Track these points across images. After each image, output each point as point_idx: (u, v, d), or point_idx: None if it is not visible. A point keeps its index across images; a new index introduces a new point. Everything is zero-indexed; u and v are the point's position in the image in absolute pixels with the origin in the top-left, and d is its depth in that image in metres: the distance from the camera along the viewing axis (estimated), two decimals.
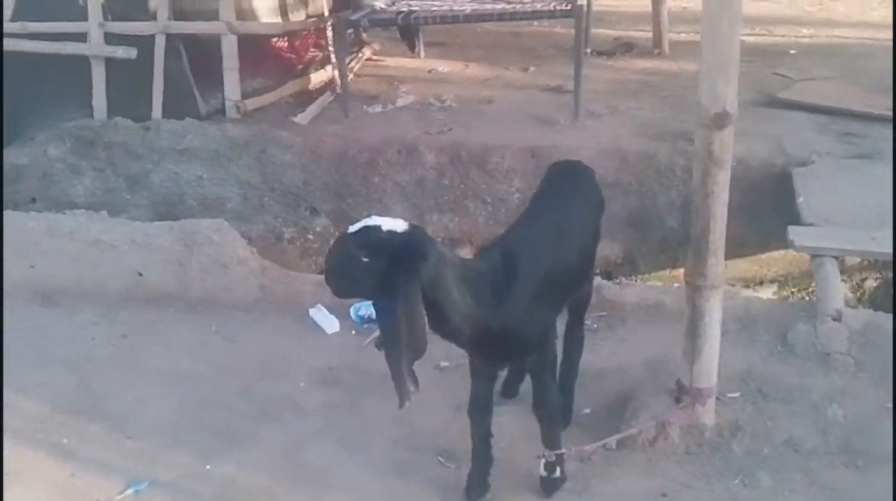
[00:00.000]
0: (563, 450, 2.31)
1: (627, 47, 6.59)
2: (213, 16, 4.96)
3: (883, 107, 4.65)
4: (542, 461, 2.33)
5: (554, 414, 2.33)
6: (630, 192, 4.38)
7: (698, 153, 2.23)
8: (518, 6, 5.16)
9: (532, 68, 6.18)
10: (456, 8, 5.21)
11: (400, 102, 5.30)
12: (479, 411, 2.29)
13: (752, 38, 6.93)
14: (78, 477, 2.43)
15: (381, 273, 1.89)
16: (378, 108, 5.21)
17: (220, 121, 4.90)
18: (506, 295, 2.07)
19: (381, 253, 1.88)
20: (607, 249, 4.54)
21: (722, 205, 2.26)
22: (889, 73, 5.46)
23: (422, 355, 1.94)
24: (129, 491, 2.37)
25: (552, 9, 4.88)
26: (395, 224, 1.91)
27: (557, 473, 2.33)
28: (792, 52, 6.37)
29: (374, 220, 1.93)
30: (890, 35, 6.66)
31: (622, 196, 4.38)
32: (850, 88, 5.20)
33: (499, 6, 5.23)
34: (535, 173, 4.37)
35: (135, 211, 4.66)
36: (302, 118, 4.83)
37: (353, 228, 1.93)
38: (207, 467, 2.46)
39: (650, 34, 6.66)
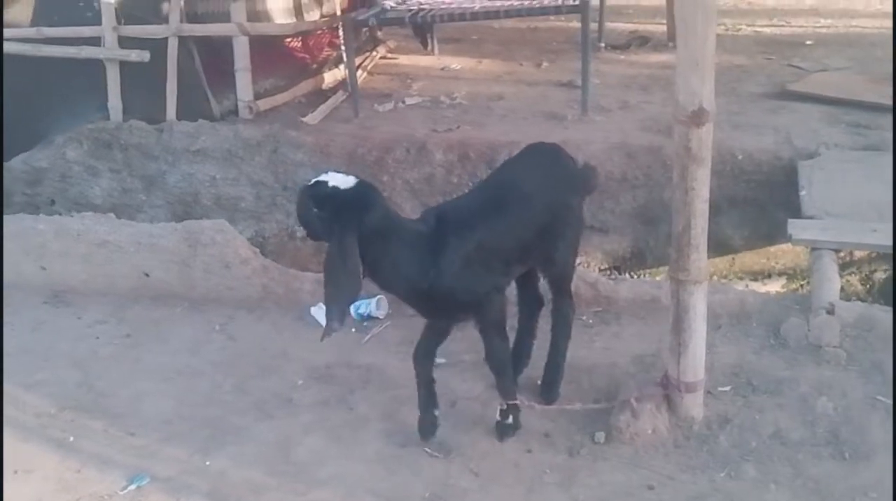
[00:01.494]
0: (516, 401, 2.52)
1: (643, 41, 6.57)
2: (225, 17, 5.04)
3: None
4: (499, 408, 2.55)
5: (500, 368, 2.52)
6: (637, 187, 4.37)
7: (677, 150, 2.24)
8: (526, 2, 5.17)
9: (546, 63, 6.19)
10: (465, 5, 5.23)
11: (410, 100, 5.35)
12: (421, 356, 2.52)
13: (769, 30, 6.91)
14: (83, 473, 2.50)
15: (327, 221, 2.20)
16: (388, 107, 5.26)
17: (233, 122, 4.97)
18: (436, 257, 2.29)
19: (326, 205, 2.20)
20: (616, 243, 4.57)
21: (702, 202, 2.27)
22: None
23: (354, 296, 2.29)
24: (132, 486, 2.44)
25: (560, 3, 4.89)
26: (343, 180, 2.22)
27: (510, 420, 2.55)
28: (808, 42, 6.31)
29: (326, 176, 2.25)
30: None
31: (630, 190, 4.38)
32: (863, 79, 5.14)
33: (507, 2, 5.24)
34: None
35: (151, 211, 4.78)
36: (312, 118, 4.89)
37: (309, 182, 2.28)
38: (207, 463, 2.52)
39: (664, 27, 6.65)
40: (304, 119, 4.86)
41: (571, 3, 4.83)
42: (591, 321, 3.13)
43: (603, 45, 6.47)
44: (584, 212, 2.71)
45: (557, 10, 4.83)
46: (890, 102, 4.54)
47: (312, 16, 6.03)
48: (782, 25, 6.99)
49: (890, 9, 7.21)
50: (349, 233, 2.14)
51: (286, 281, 3.42)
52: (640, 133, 4.60)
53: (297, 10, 5.86)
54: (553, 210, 2.51)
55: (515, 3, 5.12)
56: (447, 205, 2.55)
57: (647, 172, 4.34)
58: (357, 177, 2.26)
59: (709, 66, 2.11)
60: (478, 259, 2.32)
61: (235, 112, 5.06)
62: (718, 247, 4.12)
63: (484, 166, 4.46)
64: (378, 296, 3.24)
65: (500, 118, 4.97)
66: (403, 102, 5.33)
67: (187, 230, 3.41)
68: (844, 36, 6.47)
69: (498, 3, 5.20)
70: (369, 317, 3.28)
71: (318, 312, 3.26)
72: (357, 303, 3.24)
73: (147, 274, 3.44)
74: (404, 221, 2.38)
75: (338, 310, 2.22)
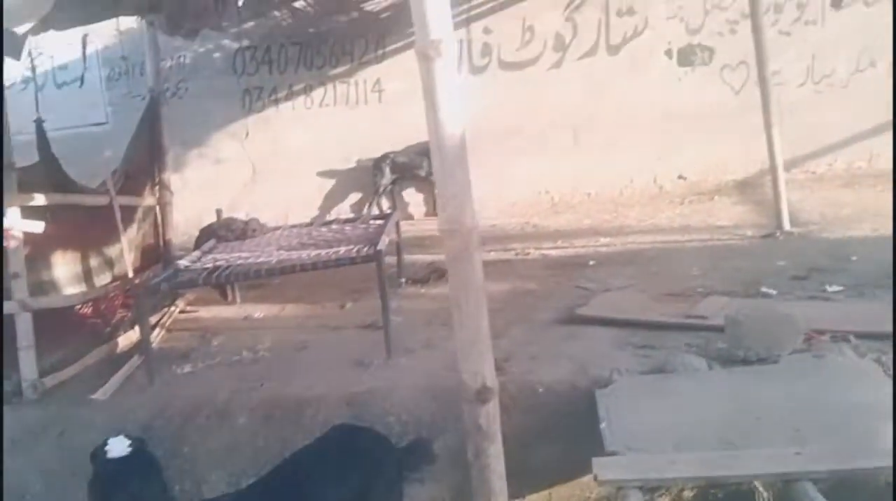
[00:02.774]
0: None
1: (440, 273, 6.81)
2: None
3: (678, 315, 4.95)
4: None
5: None
6: (447, 430, 4.34)
7: (467, 429, 2.25)
8: (324, 252, 5.27)
9: (349, 304, 6.25)
10: (262, 260, 5.27)
11: (209, 359, 5.18)
12: None
13: (555, 252, 7.39)
14: None
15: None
16: (188, 368, 5.07)
17: (16, 406, 4.60)
18: None
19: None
20: (435, 491, 4.46)
21: (499, 478, 2.26)
22: (681, 278, 5.92)
23: None
24: None
25: (354, 255, 5.01)
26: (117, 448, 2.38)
27: None
28: (591, 262, 6.77)
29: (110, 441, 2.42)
30: (677, 237, 7.30)
31: (440, 435, 4.34)
32: (644, 297, 5.51)
33: (304, 254, 5.33)
34: (352, 422, 4.32)
35: None
36: (102, 393, 4.60)
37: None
38: None
39: None
40: (94, 396, 4.57)
41: (367, 252, 4.96)
42: None
43: (404, 280, 6.65)
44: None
45: (353, 261, 4.92)
46: (673, 320, 4.89)
47: (104, 278, 5.84)
48: (566, 247, 7.51)
49: (659, 223, 8.00)
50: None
51: None
52: (445, 373, 4.61)
53: (87, 276, 5.66)
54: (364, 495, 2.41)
55: (312, 255, 5.21)
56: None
57: (456, 414, 4.33)
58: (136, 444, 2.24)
59: (486, 345, 2.17)
60: None
61: (20, 393, 4.70)
62: (534, 483, 4.11)
63: (291, 426, 4.32)
64: None
65: (306, 370, 4.88)
66: (203, 362, 5.15)
67: None
68: (622, 254, 7.01)
69: (295, 256, 5.27)
70: None
71: None
72: None
73: None
74: None
75: None
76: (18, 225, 4.79)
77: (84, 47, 7.22)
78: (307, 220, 8.86)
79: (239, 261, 5.28)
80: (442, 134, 2.58)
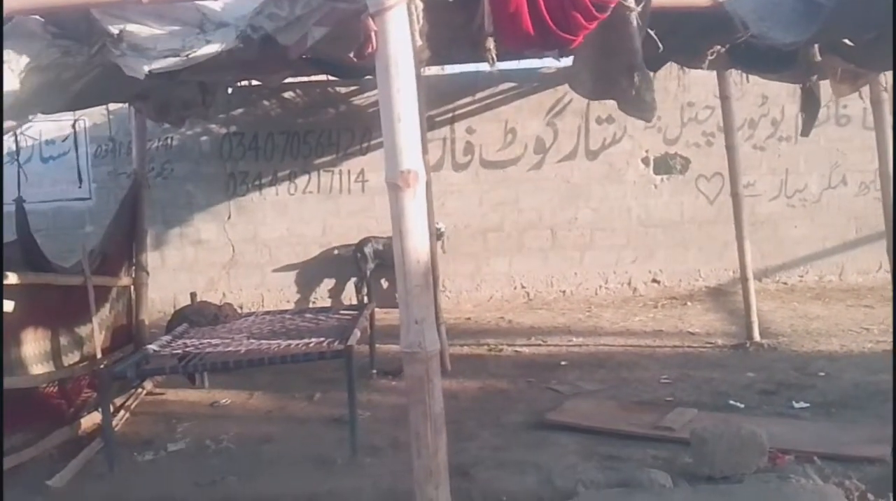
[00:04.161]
0: None
1: None
2: None
3: (646, 426, 4.95)
4: None
5: None
6: None
7: None
8: (293, 344, 5.26)
9: (318, 395, 6.20)
10: (231, 349, 5.25)
11: (172, 447, 5.11)
12: None
13: (527, 349, 7.41)
14: None
15: None
16: (150, 456, 4.98)
17: None
18: None
19: None
20: None
21: None
22: (650, 385, 5.94)
23: None
24: None
25: (325, 349, 5.01)
26: None
27: None
28: (563, 363, 6.79)
29: None
30: (649, 341, 7.35)
31: None
32: (613, 405, 5.52)
33: (274, 344, 5.31)
34: None
35: None
36: (59, 479, 4.50)
37: None
38: None
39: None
40: (50, 482, 4.47)
41: (337, 347, 4.96)
42: None
43: (375, 371, 6.63)
44: None
45: (321, 357, 4.92)
46: (642, 432, 4.88)
47: (72, 358, 5.76)
48: (539, 345, 7.53)
49: (632, 326, 8.06)
50: None
51: None
52: (409, 477, 4.53)
53: (55, 354, 5.58)
54: None
55: (282, 347, 5.20)
56: None
57: None
58: None
59: (443, 476, 2.17)
60: None
61: None
62: None
63: None
64: None
65: (269, 466, 4.80)
66: (165, 450, 5.07)
67: None
68: (594, 355, 7.03)
69: (265, 346, 5.25)
70: None
71: None
72: None
73: None
74: None
75: None
76: None
77: (75, 131, 7.30)
78: (281, 307, 8.95)
79: (208, 350, 5.24)
80: (409, 260, 2.64)
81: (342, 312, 6.58)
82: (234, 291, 9.44)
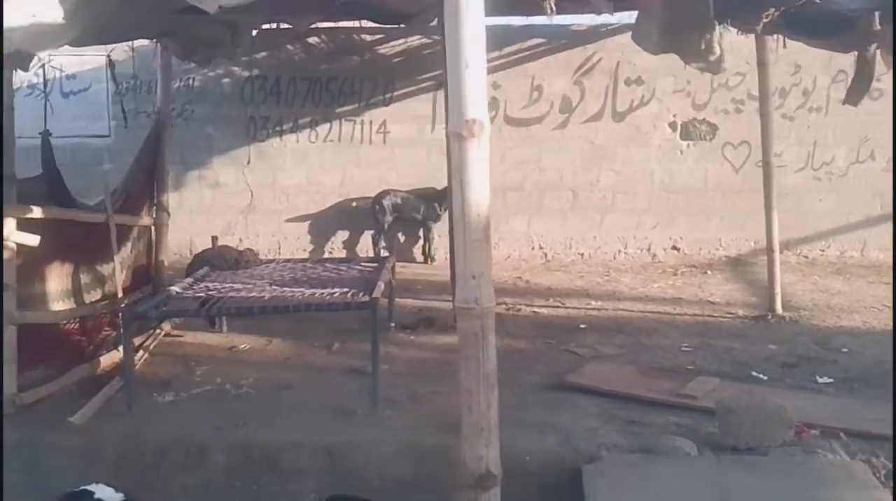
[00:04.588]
0: None
1: (429, 322, 6.77)
2: None
3: (668, 393, 4.92)
4: None
5: None
6: (430, 491, 4.27)
7: None
8: (317, 293, 5.22)
9: (337, 345, 6.17)
10: (255, 295, 5.21)
11: (193, 389, 5.10)
12: None
13: (546, 311, 7.35)
14: None
15: None
16: (169, 397, 4.98)
17: None
18: None
19: None
20: None
21: None
22: (671, 352, 5.90)
23: None
24: None
25: (349, 300, 4.97)
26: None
27: None
28: (582, 326, 6.75)
29: (93, 487, 2.24)
30: (668, 309, 7.30)
31: (422, 496, 4.26)
32: (633, 370, 5.48)
33: (297, 291, 5.28)
34: (330, 474, 4.25)
35: None
36: (80, 417, 4.49)
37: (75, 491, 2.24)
38: None
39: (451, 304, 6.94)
40: (72, 419, 4.46)
41: (362, 299, 4.92)
42: None
43: (393, 324, 6.60)
44: None
45: (347, 307, 4.89)
46: (662, 398, 4.85)
47: (93, 296, 5.75)
48: (557, 306, 7.48)
49: (651, 292, 8.00)
50: None
51: None
52: (428, 431, 4.56)
53: (77, 292, 5.57)
54: None
55: (306, 294, 5.16)
56: None
57: (438, 476, 4.27)
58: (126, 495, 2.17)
59: (494, 432, 2.13)
60: None
61: None
62: None
63: (268, 471, 4.25)
64: None
65: (288, 412, 4.80)
66: (186, 392, 5.07)
67: None
68: (613, 320, 6.99)
69: (288, 293, 5.21)
70: None
71: None
72: None
73: None
74: None
75: None
76: (14, 236, 4.72)
77: (111, 68, 7.17)
78: (298, 255, 8.91)
79: (230, 294, 5.21)
80: (469, 213, 2.56)
81: (363, 264, 6.54)
82: (251, 237, 9.38)
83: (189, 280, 5.63)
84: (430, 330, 6.65)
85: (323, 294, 5.13)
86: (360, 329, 6.53)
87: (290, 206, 9.51)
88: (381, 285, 5.27)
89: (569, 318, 7.09)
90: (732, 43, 8.24)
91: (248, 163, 9.43)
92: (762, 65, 6.87)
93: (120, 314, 5.20)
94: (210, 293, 5.27)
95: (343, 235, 9.57)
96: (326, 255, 9.45)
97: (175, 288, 5.31)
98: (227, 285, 5.52)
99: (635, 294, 7.97)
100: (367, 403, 4.88)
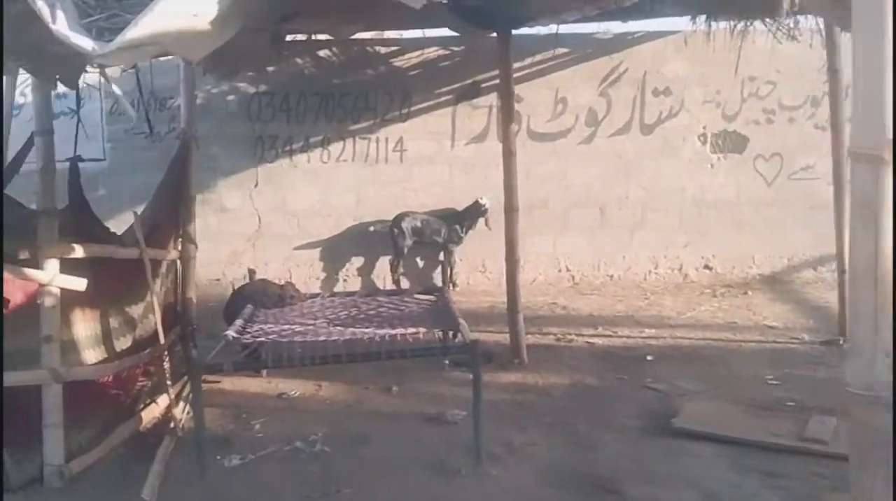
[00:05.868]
0: None
1: (487, 358, 6.21)
2: (29, 357, 4.04)
3: (789, 436, 4.47)
4: None
5: None
6: None
7: None
8: (399, 334, 4.59)
9: (395, 388, 5.60)
10: (323, 338, 4.56)
11: (260, 449, 4.48)
12: None
13: (599, 341, 6.87)
14: None
15: None
16: (236, 460, 4.35)
17: (37, 495, 3.84)
18: None
19: None
20: None
21: None
22: (757, 385, 5.46)
23: None
24: None
25: (449, 343, 4.40)
26: None
27: None
28: (649, 357, 6.27)
29: None
30: (728, 335, 6.87)
31: None
32: (738, 409, 5.00)
33: (370, 333, 4.68)
34: None
35: None
36: (150, 491, 3.84)
37: None
38: None
39: (505, 336, 6.42)
40: (144, 496, 3.80)
41: (461, 343, 4.35)
42: None
43: (447, 362, 6.02)
44: None
45: (446, 351, 4.36)
46: (789, 444, 4.40)
47: (124, 342, 5.07)
48: (610, 335, 7.00)
49: (701, 318, 7.57)
50: None
51: None
52: (546, 492, 4.02)
53: (106, 338, 4.88)
54: None
55: (389, 338, 4.54)
56: None
57: None
58: None
59: None
60: None
61: (40, 479, 3.95)
62: None
63: None
64: None
65: (378, 473, 4.20)
66: (254, 453, 4.44)
67: None
68: (676, 349, 6.53)
69: (363, 336, 4.60)
70: None
71: None
72: None
73: None
74: None
75: None
76: (58, 280, 4.08)
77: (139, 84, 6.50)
78: (311, 284, 8.30)
79: (297, 338, 4.60)
80: (883, 266, 2.04)
81: (416, 296, 5.95)
82: (260, 265, 8.67)
83: (239, 322, 4.99)
84: (488, 367, 6.08)
85: (406, 335, 4.53)
86: (409, 367, 5.95)
87: (301, 231, 8.86)
88: (463, 323, 4.71)
89: (626, 348, 6.62)
90: (764, 49, 8.03)
91: (256, 185, 8.77)
92: (834, 71, 6.53)
93: (188, 367, 4.54)
94: (270, 337, 4.66)
95: (358, 261, 8.94)
96: (341, 283, 8.85)
97: (230, 333, 4.68)
98: (283, 327, 4.91)
99: (685, 319, 7.51)
100: (463, 458, 4.33)
